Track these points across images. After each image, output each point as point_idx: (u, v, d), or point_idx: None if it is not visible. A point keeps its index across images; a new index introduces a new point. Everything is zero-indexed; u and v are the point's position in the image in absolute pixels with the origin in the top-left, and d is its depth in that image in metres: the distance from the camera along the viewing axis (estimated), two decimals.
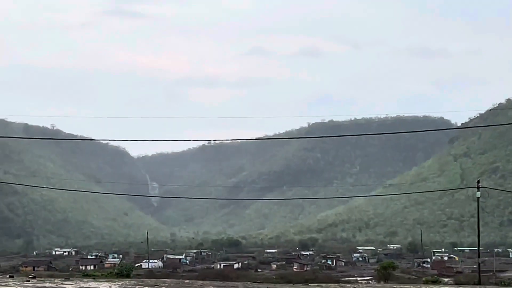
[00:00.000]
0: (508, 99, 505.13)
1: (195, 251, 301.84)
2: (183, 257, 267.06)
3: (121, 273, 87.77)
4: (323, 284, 62.69)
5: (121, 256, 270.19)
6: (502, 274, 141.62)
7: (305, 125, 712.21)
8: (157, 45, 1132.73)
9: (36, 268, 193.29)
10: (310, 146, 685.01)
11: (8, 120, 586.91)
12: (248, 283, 63.21)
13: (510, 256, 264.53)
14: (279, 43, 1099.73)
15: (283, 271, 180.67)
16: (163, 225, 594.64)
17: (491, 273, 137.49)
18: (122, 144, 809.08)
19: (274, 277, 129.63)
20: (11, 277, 68.78)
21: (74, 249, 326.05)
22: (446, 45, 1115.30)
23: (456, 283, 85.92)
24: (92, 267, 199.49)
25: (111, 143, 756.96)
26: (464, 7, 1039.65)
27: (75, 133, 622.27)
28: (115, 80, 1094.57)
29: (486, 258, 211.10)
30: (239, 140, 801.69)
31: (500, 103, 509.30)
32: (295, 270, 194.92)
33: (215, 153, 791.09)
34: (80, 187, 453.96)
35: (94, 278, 69.55)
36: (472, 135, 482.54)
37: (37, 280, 59.58)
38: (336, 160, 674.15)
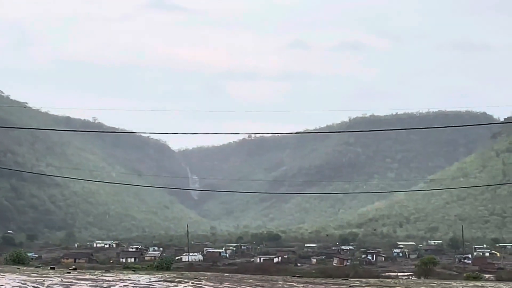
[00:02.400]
0: None
1: (235, 244, 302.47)
2: (223, 250, 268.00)
3: (161, 266, 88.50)
4: (363, 279, 62.46)
5: (161, 249, 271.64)
6: None
7: (346, 119, 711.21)
8: (197, 38, 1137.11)
9: (77, 260, 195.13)
10: (351, 141, 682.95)
11: (51, 113, 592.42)
12: (288, 277, 63.15)
13: None
14: (320, 36, 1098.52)
15: (323, 265, 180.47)
16: (203, 219, 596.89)
17: None
18: (163, 138, 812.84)
19: (314, 271, 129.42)
20: (52, 268, 69.41)
21: (115, 242, 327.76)
22: (488, 39, 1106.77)
23: (498, 280, 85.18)
24: (132, 260, 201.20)
25: (152, 136, 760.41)
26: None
27: (116, 126, 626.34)
28: (156, 73, 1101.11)
29: None
30: (279, 134, 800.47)
31: None
32: (335, 264, 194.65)
33: (255, 147, 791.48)
34: (121, 180, 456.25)
35: (134, 271, 70.00)
36: None
37: (78, 272, 60.04)
38: (377, 155, 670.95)
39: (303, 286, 46.79)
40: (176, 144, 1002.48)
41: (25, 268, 66.45)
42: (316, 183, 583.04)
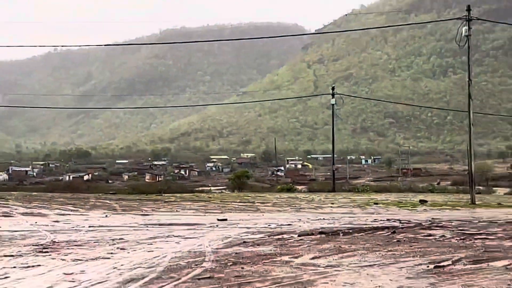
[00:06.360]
0: (362, 5, 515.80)
1: (42, 163, 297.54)
2: (29, 169, 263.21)
3: None
4: (177, 194, 63.06)
5: None
6: (355, 181, 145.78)
7: (157, 31, 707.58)
8: None
9: None
10: (161, 54, 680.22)
11: None
12: (100, 194, 62.86)
13: (363, 163, 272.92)
14: None
15: (135, 182, 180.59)
16: (7, 136, 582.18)
17: (344, 180, 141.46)
18: None
19: (126, 188, 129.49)
20: None
21: None
22: None
23: (310, 191, 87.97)
24: None
25: None
26: None
27: None
28: None
29: (340, 165, 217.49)
30: (87, 47, 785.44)
31: (353, 9, 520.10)
32: (147, 180, 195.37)
33: (61, 60, 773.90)
34: None
35: None
36: (325, 41, 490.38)
37: None
38: (189, 68, 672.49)
39: (116, 203, 46.69)
40: None
41: None
42: (126, 97, 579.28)
